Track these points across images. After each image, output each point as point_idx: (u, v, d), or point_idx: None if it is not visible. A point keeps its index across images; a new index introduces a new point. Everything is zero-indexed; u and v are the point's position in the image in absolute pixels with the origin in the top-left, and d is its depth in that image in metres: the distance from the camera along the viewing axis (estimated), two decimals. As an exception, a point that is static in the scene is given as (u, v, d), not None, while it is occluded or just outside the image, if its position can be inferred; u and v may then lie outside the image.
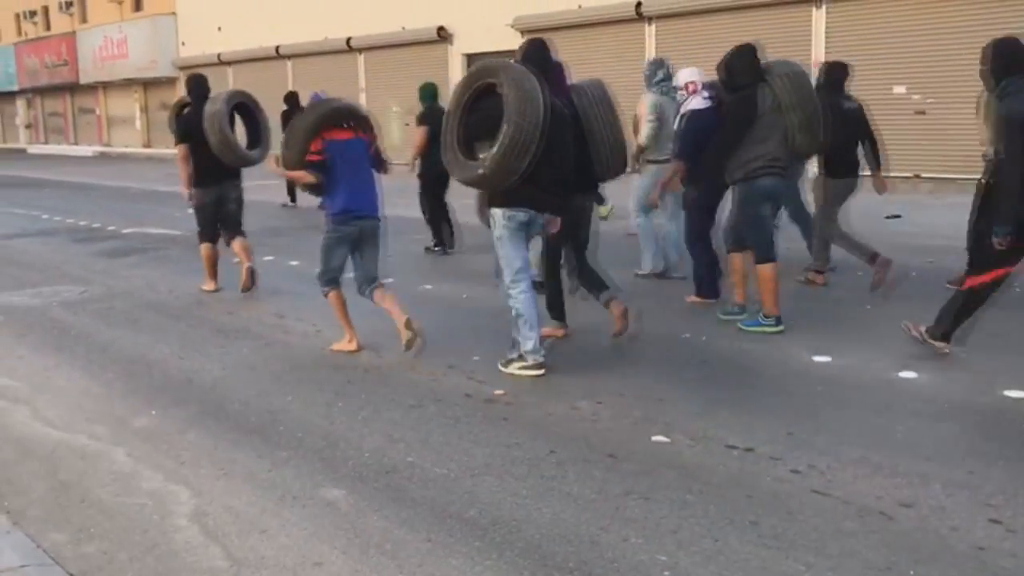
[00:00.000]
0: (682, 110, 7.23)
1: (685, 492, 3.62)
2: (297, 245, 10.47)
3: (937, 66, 14.71)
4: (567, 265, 5.96)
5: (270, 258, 9.59)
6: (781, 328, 5.97)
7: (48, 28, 40.45)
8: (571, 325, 6.13)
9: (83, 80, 35.70)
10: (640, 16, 18.37)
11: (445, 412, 4.65)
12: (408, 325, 5.57)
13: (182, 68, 31.90)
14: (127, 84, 33.71)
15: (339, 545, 3.28)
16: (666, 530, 3.31)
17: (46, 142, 40.50)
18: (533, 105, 4.91)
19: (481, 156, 4.99)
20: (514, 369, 5.25)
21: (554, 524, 3.38)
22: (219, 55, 29.52)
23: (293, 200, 14.92)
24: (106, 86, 35.09)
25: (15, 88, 40.66)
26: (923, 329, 5.35)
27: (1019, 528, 3.23)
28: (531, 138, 4.90)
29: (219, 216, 7.84)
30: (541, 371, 5.20)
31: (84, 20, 37.47)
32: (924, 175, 14.68)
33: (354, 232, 5.77)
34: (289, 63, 27.12)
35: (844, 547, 3.13)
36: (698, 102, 7.03)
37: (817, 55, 16.02)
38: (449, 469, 3.92)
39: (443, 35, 22.36)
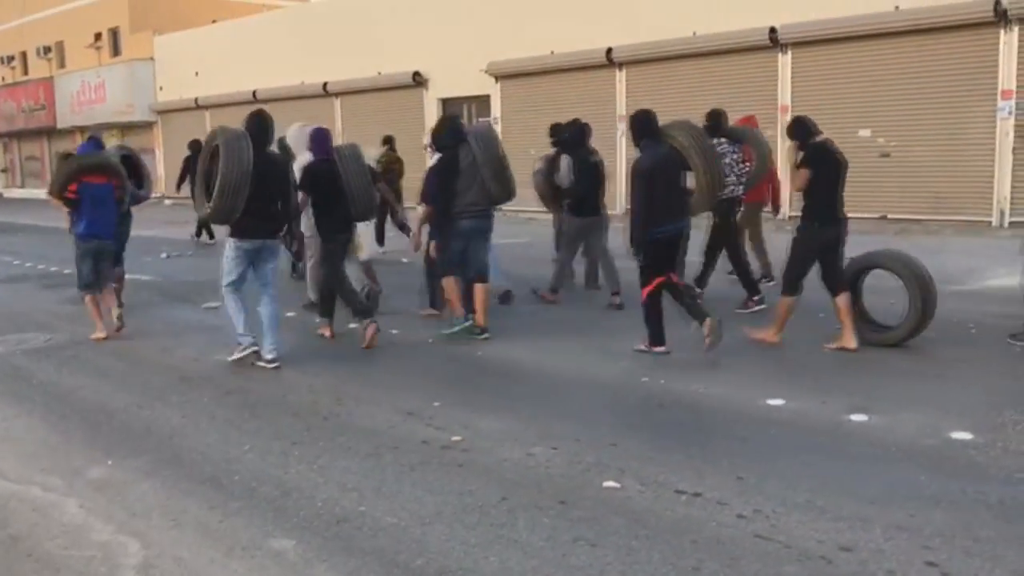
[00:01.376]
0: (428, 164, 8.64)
1: (632, 538, 3.66)
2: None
3: (900, 110, 15.04)
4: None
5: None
6: (487, 336, 7.40)
7: (26, 72, 40.55)
8: (532, 372, 6.19)
9: (60, 124, 35.69)
10: (611, 62, 18.69)
11: (400, 460, 4.68)
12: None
13: (160, 112, 32.08)
14: (104, 128, 33.73)
15: (284, 596, 3.30)
16: (610, 577, 3.35)
17: (22, 186, 40.40)
18: (240, 159, 6.38)
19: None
20: (237, 356, 6.78)
21: (500, 572, 3.42)
22: (196, 99, 29.68)
23: (210, 236, 15.41)
24: (83, 130, 35.00)
25: (-9, 133, 40.62)
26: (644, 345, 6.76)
27: (954, 571, 3.30)
28: (240, 183, 6.37)
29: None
30: (250, 350, 6.73)
31: (62, 65, 37.61)
32: (891, 216, 14.93)
33: (93, 247, 7.97)
34: (266, 107, 27.26)
35: (782, 592, 3.17)
36: (433, 159, 8.29)
37: (783, 100, 16.37)
38: (400, 518, 3.95)
39: (418, 80, 22.62)
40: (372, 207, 7.84)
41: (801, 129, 7.04)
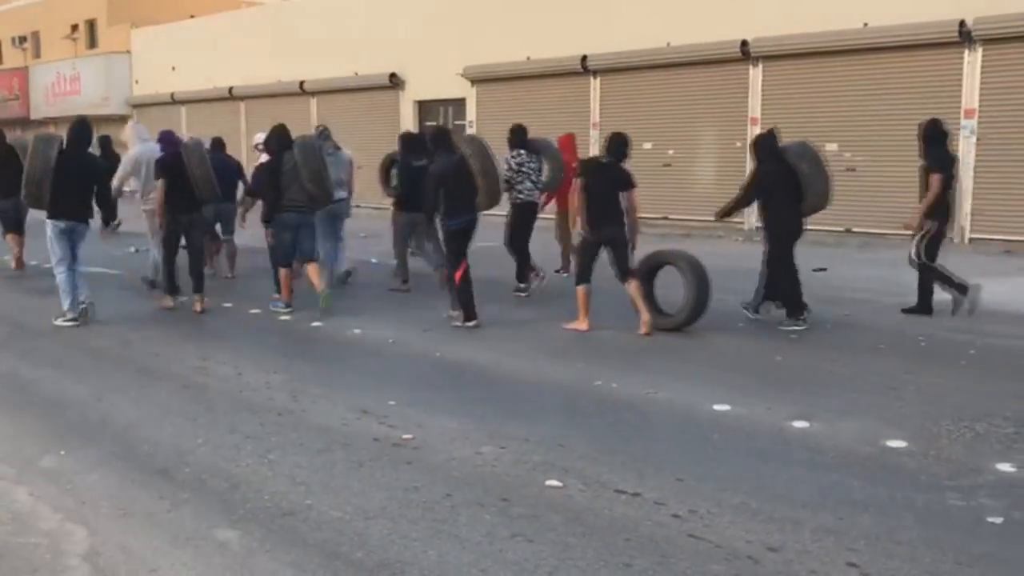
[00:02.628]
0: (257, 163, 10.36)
1: (568, 535, 3.76)
2: (229, 287, 10.55)
3: (867, 125, 15.30)
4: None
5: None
6: (291, 310, 8.80)
7: (0, 62, 40.18)
8: (489, 372, 6.29)
9: (34, 115, 35.37)
10: (586, 70, 18.83)
11: (351, 456, 4.76)
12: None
13: (135, 106, 31.90)
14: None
15: (225, 585, 3.38)
16: (543, 571, 3.45)
17: (-6, 176, 39.98)
18: (42, 157, 8.07)
19: None
20: (60, 322, 8.24)
21: (438, 565, 3.51)
22: (172, 94, 29.54)
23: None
24: (57, 122, 34.77)
25: (-36, 121, 40.22)
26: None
27: (874, 572, 3.43)
28: (42, 175, 8.05)
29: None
30: (76, 323, 8.22)
31: (37, 55, 37.31)
32: (855, 230, 15.18)
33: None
34: (242, 104, 27.22)
35: (707, 589, 3.29)
36: (264, 158, 9.68)
37: (753, 112, 16.59)
38: (345, 512, 4.03)
39: (395, 82, 22.67)
40: (214, 193, 9.19)
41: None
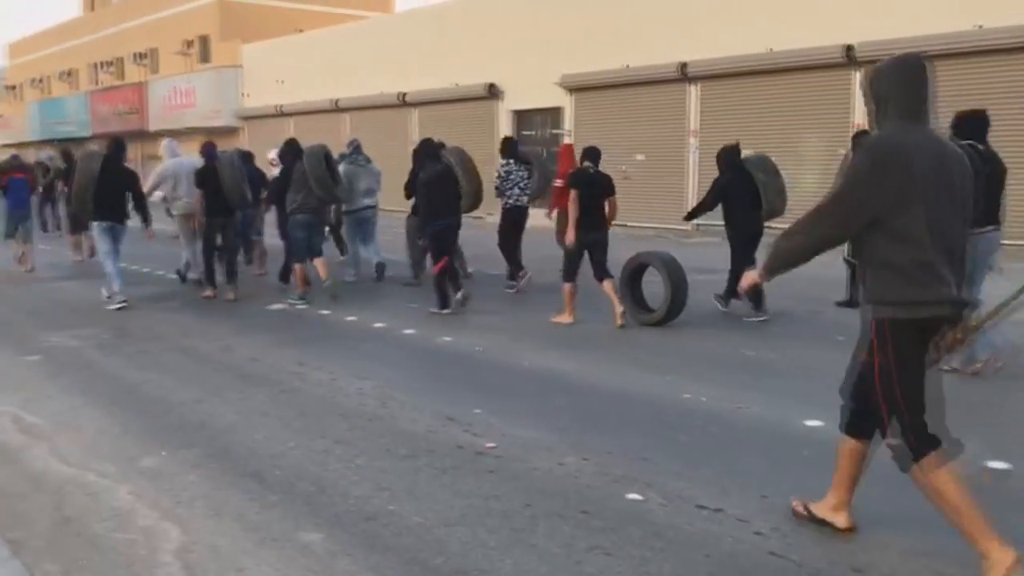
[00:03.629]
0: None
1: (647, 549, 3.73)
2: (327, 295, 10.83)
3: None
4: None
5: (303, 306, 9.96)
6: (306, 302, 10.05)
7: (122, 77, 42.26)
8: (575, 383, 6.28)
9: (151, 128, 37.05)
10: (684, 76, 18.66)
11: (435, 463, 4.83)
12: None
13: (244, 118, 33.07)
14: (192, 132, 34.94)
15: (306, 586, 3.47)
16: (619, 585, 3.43)
17: (114, 186, 41.99)
18: (88, 171, 9.83)
19: None
20: (112, 307, 9.89)
21: (514, 575, 3.53)
22: (280, 107, 30.53)
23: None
24: (172, 134, 36.40)
25: (88, 134, 42.33)
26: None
27: (965, 598, 3.29)
28: (85, 187, 9.76)
29: None
30: (126, 303, 9.98)
31: (155, 71, 39.10)
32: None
33: (17, 218, 13.93)
34: (347, 116, 27.93)
35: (787, 609, 3.22)
36: (276, 172, 11.45)
37: (857, 118, 16.12)
38: (426, 518, 4.09)
39: (493, 92, 22.90)
40: (243, 200, 10.59)
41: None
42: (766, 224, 9.14)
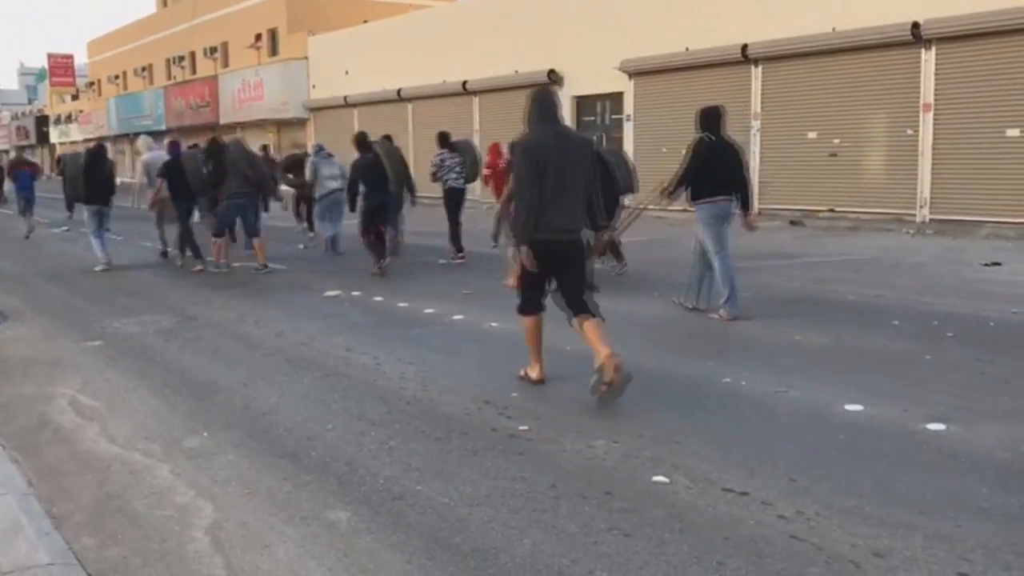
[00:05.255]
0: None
1: (666, 531, 3.73)
2: (384, 282, 10.98)
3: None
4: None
5: (357, 293, 10.13)
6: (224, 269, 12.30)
7: (194, 72, 43.31)
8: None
9: (223, 120, 37.93)
10: (747, 58, 18.36)
11: (466, 445, 4.89)
12: None
13: (312, 109, 33.59)
14: (261, 124, 35.67)
15: (327, 563, 3.55)
16: (634, 566, 3.44)
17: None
18: (73, 167, 12.92)
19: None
20: (98, 268, 12.71)
21: (530, 554, 3.56)
22: (345, 97, 30.92)
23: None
24: (243, 126, 37.20)
25: (163, 127, 43.53)
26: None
27: (987, 584, 3.22)
28: (75, 178, 12.81)
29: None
30: (108, 268, 12.73)
31: (226, 64, 39.96)
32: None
33: (21, 203, 19.39)
34: (409, 105, 28.17)
35: (800, 592, 3.19)
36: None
37: (927, 97, 15.67)
38: (451, 498, 4.15)
39: (553, 78, 22.83)
40: (204, 187, 12.47)
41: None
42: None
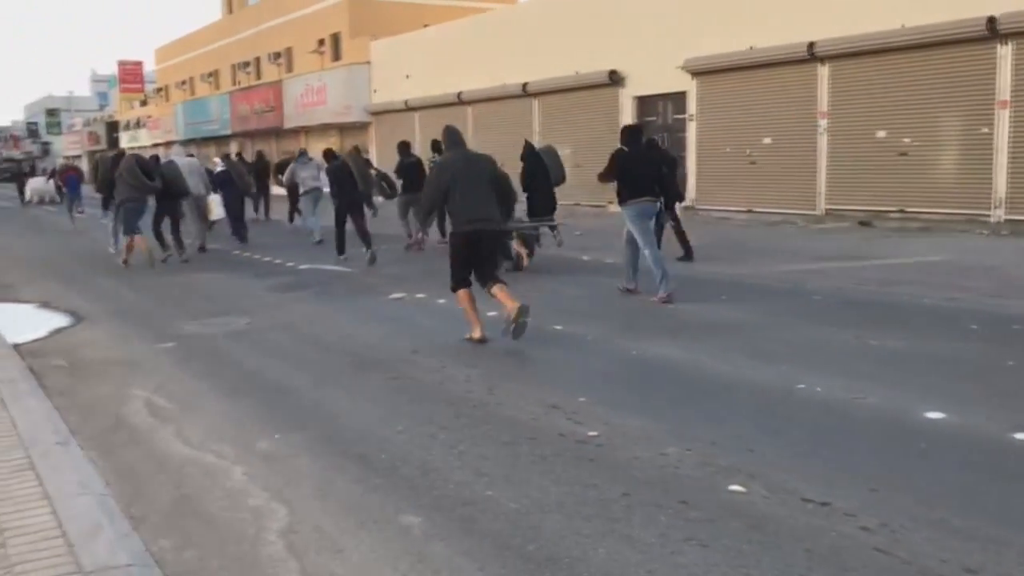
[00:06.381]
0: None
1: (744, 542, 3.64)
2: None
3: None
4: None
5: (422, 295, 10.16)
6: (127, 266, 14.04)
7: (259, 77, 44.01)
8: (685, 372, 6.17)
9: (287, 125, 38.45)
10: (813, 56, 18.00)
11: (535, 450, 4.84)
12: None
13: (374, 113, 33.88)
14: (324, 128, 36.08)
15: (401, 568, 3.54)
16: (712, 578, 3.36)
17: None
18: (106, 170, 15.44)
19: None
20: (111, 250, 15.53)
21: (605, 564, 3.50)
22: (406, 101, 31.11)
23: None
24: (307, 130, 37.69)
25: (228, 132, 44.36)
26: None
27: (1088, 604, 3.07)
28: (104, 179, 15.53)
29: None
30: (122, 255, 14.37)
31: (290, 69, 40.53)
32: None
33: (72, 199, 25.76)
34: (469, 108, 28.23)
35: (888, 608, 3.08)
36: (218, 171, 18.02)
37: (1001, 94, 15.21)
38: (522, 504, 4.11)
39: (615, 79, 22.70)
40: (183, 190, 14.83)
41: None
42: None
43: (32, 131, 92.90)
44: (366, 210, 14.20)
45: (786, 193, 18.71)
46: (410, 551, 3.69)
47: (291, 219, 20.70)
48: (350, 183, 13.82)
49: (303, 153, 18.76)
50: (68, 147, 76.25)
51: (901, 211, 16.73)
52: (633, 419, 5.32)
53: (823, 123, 18.04)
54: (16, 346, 8.09)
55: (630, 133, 10.05)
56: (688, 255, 12.28)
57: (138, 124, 60.67)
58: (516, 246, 12.05)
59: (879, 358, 6.75)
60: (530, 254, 12.39)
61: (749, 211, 19.25)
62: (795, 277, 10.79)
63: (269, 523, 4.04)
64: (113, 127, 66.15)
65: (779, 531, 3.74)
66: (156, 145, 51.47)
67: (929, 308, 8.67)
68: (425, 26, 32.15)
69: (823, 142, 18.06)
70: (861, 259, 12.41)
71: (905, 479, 4.25)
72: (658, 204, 9.85)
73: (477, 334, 7.52)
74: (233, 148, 38.54)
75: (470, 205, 7.45)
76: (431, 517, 4.02)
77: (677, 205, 12.25)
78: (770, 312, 8.62)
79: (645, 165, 9.76)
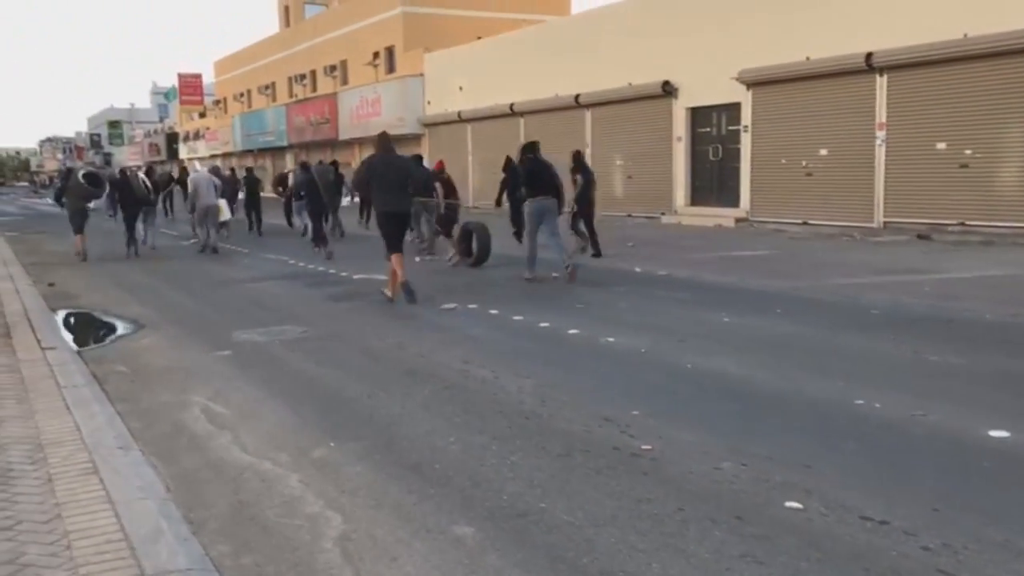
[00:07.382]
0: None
1: (802, 560, 3.59)
2: (500, 295, 11.04)
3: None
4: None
5: (473, 305, 10.21)
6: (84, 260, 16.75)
7: (315, 90, 44.68)
8: (740, 386, 6.11)
9: (342, 136, 38.97)
10: (871, 67, 17.78)
11: (589, 463, 4.83)
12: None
13: (426, 125, 34.17)
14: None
15: (454, 578, 3.55)
16: (769, 595, 3.32)
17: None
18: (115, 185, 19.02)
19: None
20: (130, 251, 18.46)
21: (660, 579, 3.48)
22: (459, 113, 31.34)
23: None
24: (361, 142, 38.12)
25: (285, 144, 45.08)
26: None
27: None
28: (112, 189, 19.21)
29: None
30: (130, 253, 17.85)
31: (345, 82, 41.08)
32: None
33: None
34: (522, 120, 28.34)
35: (951, 631, 3.01)
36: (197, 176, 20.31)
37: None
38: (576, 518, 4.10)
39: (668, 90, 22.62)
40: (147, 199, 18.29)
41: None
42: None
43: (95, 142, 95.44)
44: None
45: (843, 205, 18.46)
46: (463, 561, 3.70)
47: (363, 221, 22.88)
48: (317, 192, 17.83)
49: (303, 164, 22.04)
50: (129, 158, 78.12)
51: (961, 224, 16.40)
52: (687, 433, 5.28)
53: (881, 134, 17.78)
54: (79, 352, 8.29)
55: (528, 147, 12.86)
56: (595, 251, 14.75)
57: (197, 135, 61.97)
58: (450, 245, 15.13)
59: (939, 374, 6.62)
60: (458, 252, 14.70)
61: (804, 223, 19.00)
62: (852, 291, 10.63)
63: (324, 530, 4.08)
64: (173, 138, 67.65)
65: (837, 549, 3.69)
66: (214, 156, 52.48)
67: (991, 324, 8.48)
68: (478, 38, 32.37)
69: (881, 153, 17.79)
70: (920, 273, 12.18)
71: (968, 498, 4.16)
72: (552, 202, 12.29)
73: (390, 293, 10.69)
74: (289, 160, 39.10)
75: (382, 195, 10.67)
76: (484, 528, 4.03)
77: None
78: (827, 326, 8.50)
79: (542, 172, 12.43)
